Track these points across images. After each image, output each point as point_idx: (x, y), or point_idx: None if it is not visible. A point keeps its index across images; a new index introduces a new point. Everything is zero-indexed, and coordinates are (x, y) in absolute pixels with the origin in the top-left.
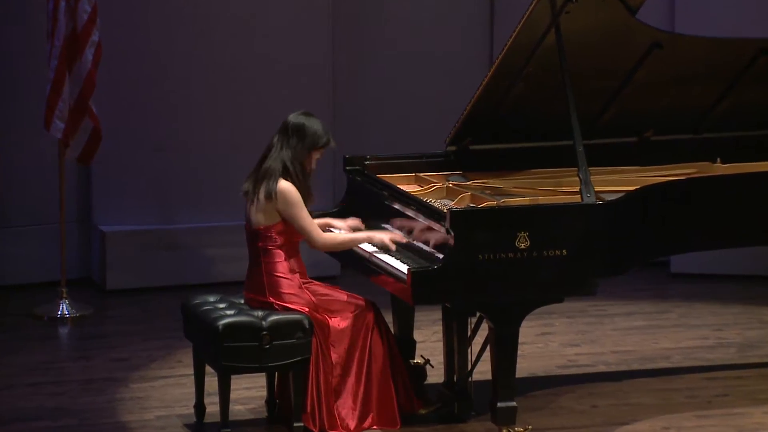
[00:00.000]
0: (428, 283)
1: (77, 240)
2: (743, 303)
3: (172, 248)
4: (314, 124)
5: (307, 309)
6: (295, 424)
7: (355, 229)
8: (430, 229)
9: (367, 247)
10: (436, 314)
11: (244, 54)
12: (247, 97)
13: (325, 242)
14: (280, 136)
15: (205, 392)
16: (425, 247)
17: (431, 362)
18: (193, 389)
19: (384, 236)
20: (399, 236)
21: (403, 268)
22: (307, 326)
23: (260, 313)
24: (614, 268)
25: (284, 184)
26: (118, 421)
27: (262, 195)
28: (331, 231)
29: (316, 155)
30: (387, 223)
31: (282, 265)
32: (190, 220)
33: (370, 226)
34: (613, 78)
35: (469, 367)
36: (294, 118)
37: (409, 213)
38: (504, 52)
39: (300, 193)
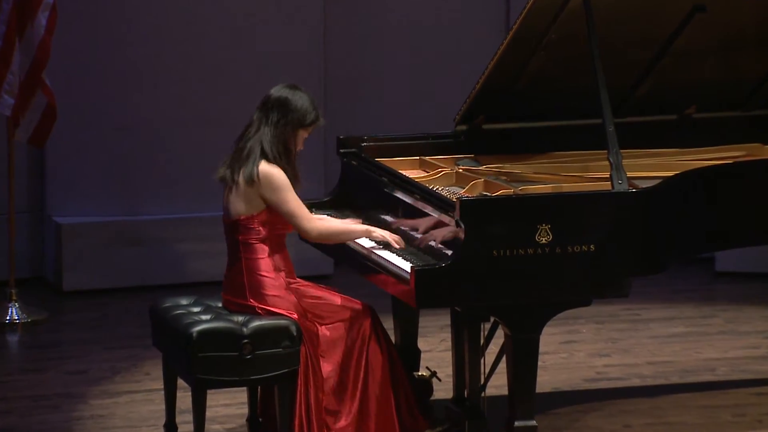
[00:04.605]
0: (435, 284)
1: (28, 234)
2: None
3: (138, 243)
4: (300, 98)
5: (294, 314)
6: None
7: None
8: (436, 221)
9: (365, 242)
10: (444, 319)
11: (222, 15)
12: (225, 66)
13: (320, 230)
14: (260, 113)
15: (177, 410)
16: (431, 242)
17: (438, 375)
18: (162, 406)
19: (386, 233)
20: (401, 241)
21: (406, 266)
22: (295, 333)
23: (240, 319)
24: (650, 265)
25: (267, 166)
26: None
27: (241, 180)
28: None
29: (303, 134)
30: (386, 215)
31: (265, 261)
32: (159, 210)
33: (367, 217)
34: (649, 46)
35: (482, 380)
36: (276, 91)
37: (413, 202)
38: (522, 17)
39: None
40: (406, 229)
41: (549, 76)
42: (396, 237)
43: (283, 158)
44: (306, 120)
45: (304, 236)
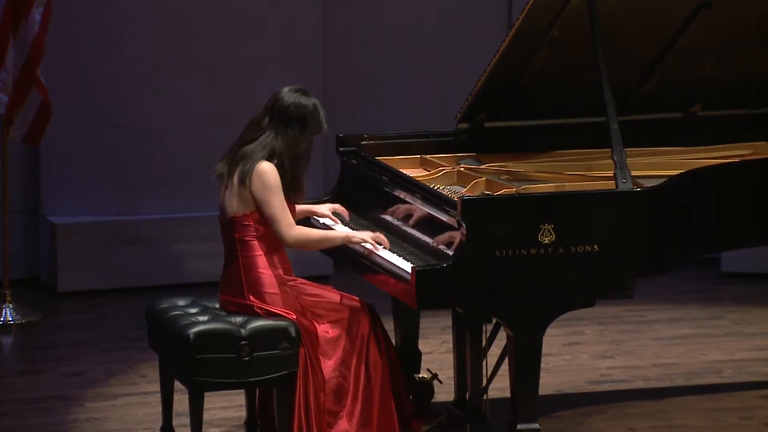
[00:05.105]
0: (436, 284)
1: (23, 234)
2: None
3: (135, 243)
4: (316, 107)
5: (292, 313)
6: None
7: (338, 215)
8: (437, 220)
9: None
10: (446, 321)
11: (221, 15)
12: (224, 66)
13: (296, 237)
14: (274, 122)
15: (174, 412)
16: (432, 242)
17: (439, 377)
18: (159, 409)
19: (365, 235)
20: (383, 238)
21: (407, 266)
22: (294, 335)
23: (238, 320)
24: (654, 266)
25: (264, 165)
26: None
27: (236, 178)
28: (313, 222)
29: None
30: (386, 214)
31: (262, 259)
32: (156, 210)
33: (365, 216)
34: (654, 44)
35: (484, 382)
36: (293, 98)
37: (414, 202)
38: (525, 14)
39: (289, 185)
40: (407, 228)
41: (552, 73)
42: (377, 237)
43: (293, 169)
44: (320, 129)
45: (281, 241)
